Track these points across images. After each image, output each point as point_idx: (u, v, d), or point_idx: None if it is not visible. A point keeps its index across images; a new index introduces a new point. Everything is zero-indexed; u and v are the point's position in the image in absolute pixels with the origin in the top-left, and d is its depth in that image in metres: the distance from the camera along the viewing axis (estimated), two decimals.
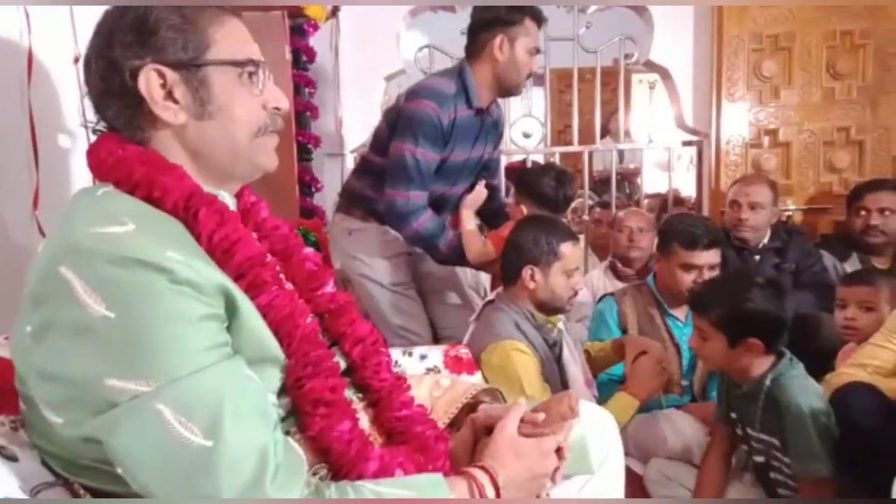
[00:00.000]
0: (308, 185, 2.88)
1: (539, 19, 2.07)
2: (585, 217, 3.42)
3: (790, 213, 2.93)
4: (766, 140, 2.98)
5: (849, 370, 1.61)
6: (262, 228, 0.99)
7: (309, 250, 1.03)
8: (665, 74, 3.14)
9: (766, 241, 2.53)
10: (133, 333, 0.70)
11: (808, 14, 2.87)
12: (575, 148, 3.42)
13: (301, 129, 2.83)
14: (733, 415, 1.66)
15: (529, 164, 3.38)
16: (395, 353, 1.60)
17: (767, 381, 1.50)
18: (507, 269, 1.79)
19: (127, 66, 0.82)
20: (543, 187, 2.16)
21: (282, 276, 0.93)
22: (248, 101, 0.88)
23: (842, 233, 2.74)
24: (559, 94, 4.96)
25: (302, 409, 0.85)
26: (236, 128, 0.87)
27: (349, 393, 0.95)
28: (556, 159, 3.61)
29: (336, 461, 0.85)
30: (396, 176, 2.01)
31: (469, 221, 2.15)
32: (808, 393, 1.47)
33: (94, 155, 0.86)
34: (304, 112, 2.85)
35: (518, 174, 2.44)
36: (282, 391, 0.86)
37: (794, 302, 2.20)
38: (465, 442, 1.02)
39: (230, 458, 0.69)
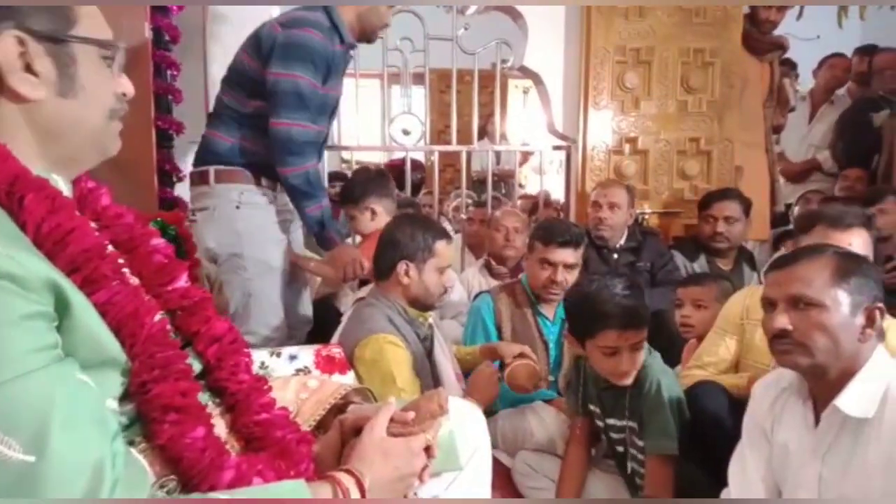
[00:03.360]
0: (168, 174, 2.67)
1: None
2: (463, 216, 3.47)
3: (646, 216, 3.15)
4: (626, 147, 3.17)
5: (693, 371, 1.77)
6: (102, 217, 0.90)
7: (159, 241, 0.95)
8: (538, 80, 3.26)
9: (623, 241, 2.73)
10: None
11: (666, 31, 3.09)
12: (453, 147, 3.47)
13: (161, 113, 2.62)
14: (592, 406, 1.74)
15: (409, 162, 3.39)
16: (262, 354, 1.52)
17: None
18: (380, 264, 1.78)
19: None
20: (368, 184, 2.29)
21: (126, 270, 0.85)
22: (106, 84, 0.84)
23: (691, 236, 2.99)
24: (440, 95, 5.02)
25: (149, 416, 0.79)
26: (95, 109, 0.83)
27: (203, 397, 0.89)
28: (436, 158, 3.66)
29: (187, 471, 0.79)
30: (288, 104, 1.91)
31: None
32: (667, 375, 1.62)
33: None
34: (165, 95, 2.64)
35: (348, 181, 2.58)
36: (125, 396, 0.79)
37: (651, 299, 2.38)
38: (331, 445, 0.99)
39: (58, 474, 0.62)
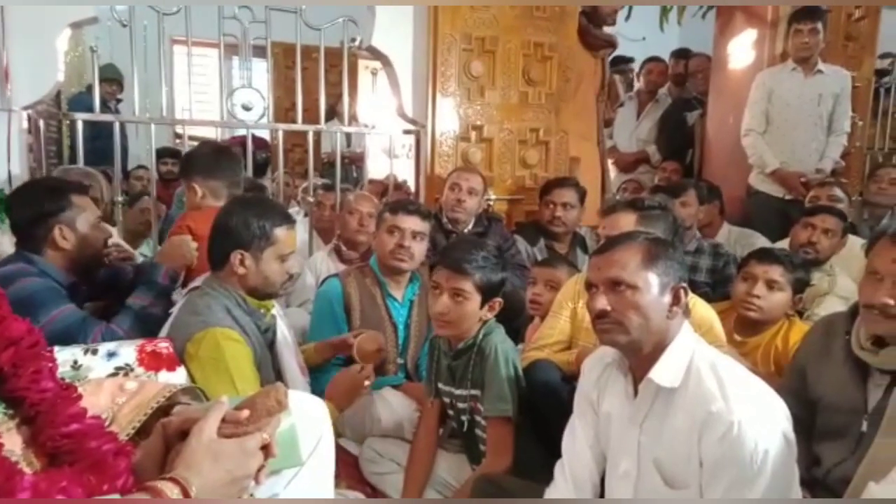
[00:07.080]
0: None
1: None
2: (311, 199, 3.36)
3: (492, 202, 3.27)
4: (473, 135, 3.26)
5: (531, 353, 1.88)
6: None
7: None
8: (386, 62, 3.22)
9: (471, 226, 2.83)
10: None
11: (509, 22, 3.20)
12: (299, 127, 3.34)
13: None
14: (441, 384, 1.78)
15: (250, 140, 3.20)
16: (76, 352, 1.36)
17: (480, 336, 1.70)
18: (214, 254, 1.65)
19: None
20: (211, 162, 2.16)
21: None
22: None
23: (532, 221, 3.16)
24: (286, 70, 4.79)
25: None
26: None
27: None
28: (280, 136, 3.47)
29: None
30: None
31: None
32: (505, 342, 1.74)
33: None
34: None
35: (184, 155, 2.42)
36: None
37: None
38: (153, 452, 0.90)
39: None
